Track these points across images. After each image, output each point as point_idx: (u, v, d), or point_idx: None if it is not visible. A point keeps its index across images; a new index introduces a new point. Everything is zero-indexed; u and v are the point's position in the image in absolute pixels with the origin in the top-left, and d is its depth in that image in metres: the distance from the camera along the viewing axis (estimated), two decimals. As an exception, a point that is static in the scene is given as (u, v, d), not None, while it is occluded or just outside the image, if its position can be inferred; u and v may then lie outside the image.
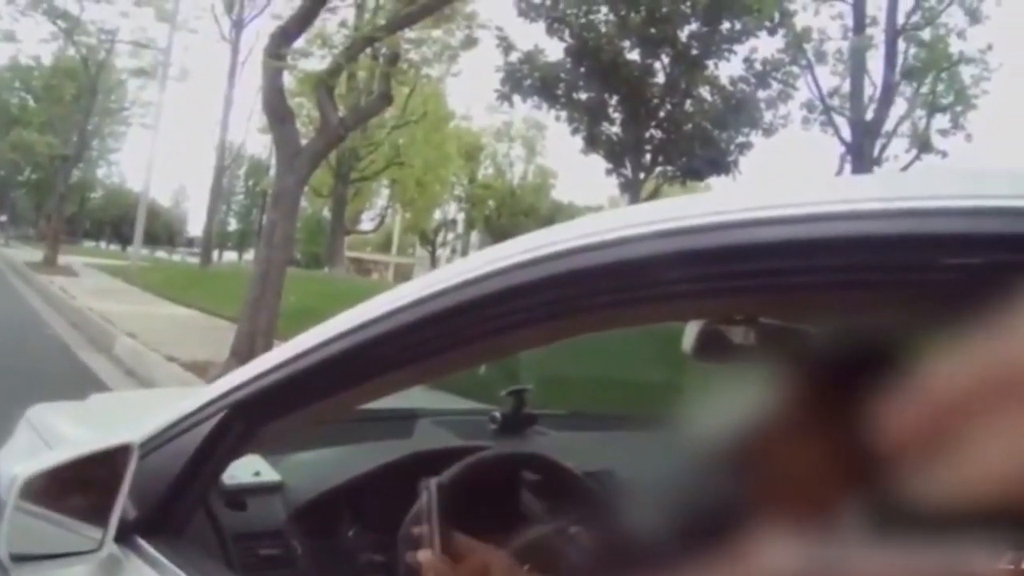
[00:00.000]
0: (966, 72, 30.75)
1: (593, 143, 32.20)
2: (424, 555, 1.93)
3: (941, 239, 1.00)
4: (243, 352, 11.47)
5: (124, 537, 1.84)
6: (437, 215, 73.90)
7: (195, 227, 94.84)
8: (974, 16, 29.77)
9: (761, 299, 1.23)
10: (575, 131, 32.65)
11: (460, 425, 3.52)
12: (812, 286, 1.12)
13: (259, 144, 64.12)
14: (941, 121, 30.93)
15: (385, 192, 67.17)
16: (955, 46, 30.17)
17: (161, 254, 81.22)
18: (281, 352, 1.76)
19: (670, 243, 1.20)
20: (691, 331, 1.95)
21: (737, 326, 1.84)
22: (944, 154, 30.11)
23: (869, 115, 28.95)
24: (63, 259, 39.19)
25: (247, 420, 1.83)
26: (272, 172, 21.65)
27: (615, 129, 32.04)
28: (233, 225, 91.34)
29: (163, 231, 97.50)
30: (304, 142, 13.30)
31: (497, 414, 3.42)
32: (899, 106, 30.30)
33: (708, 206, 1.20)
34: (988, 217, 0.98)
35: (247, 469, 2.58)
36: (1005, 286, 0.95)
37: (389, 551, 2.48)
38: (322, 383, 1.70)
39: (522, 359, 3.41)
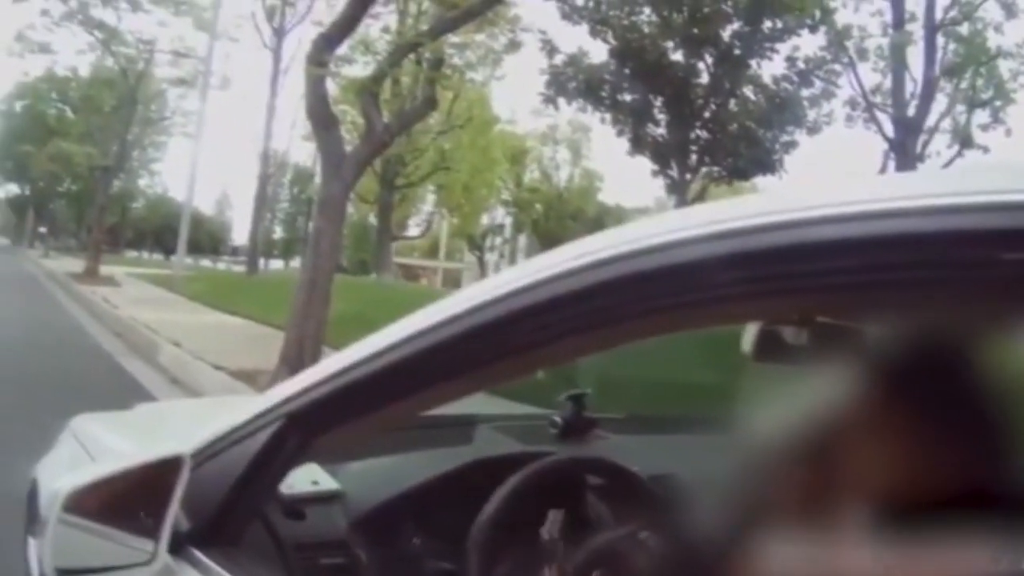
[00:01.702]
0: (1004, 66, 30.65)
1: (639, 145, 32.23)
2: None
3: (994, 234, 0.98)
4: (292, 359, 11.52)
5: (177, 549, 1.84)
6: (484, 220, 73.92)
7: (239, 235, 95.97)
8: (1010, 11, 29.60)
9: (816, 299, 1.22)
10: (620, 133, 32.69)
11: (520, 430, 3.50)
12: (865, 285, 1.10)
13: (303, 151, 64.62)
14: (981, 116, 30.83)
15: (431, 197, 67.46)
16: (993, 40, 30.06)
17: (205, 263, 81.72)
18: (335, 362, 1.75)
19: (722, 245, 1.19)
20: (750, 333, 1.93)
21: (795, 327, 1.82)
22: (986, 149, 30.06)
23: (911, 111, 28.90)
24: (105, 269, 39.35)
25: (303, 431, 1.82)
26: (317, 179, 21.72)
27: (660, 130, 32.07)
28: (278, 233, 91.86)
29: (207, 240, 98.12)
30: (349, 149, 13.35)
31: (557, 419, 3.39)
32: (940, 102, 30.26)
33: (757, 207, 1.20)
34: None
35: (304, 478, 2.57)
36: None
37: (456, 558, 2.47)
38: (378, 393, 1.69)
39: (579, 362, 3.39)
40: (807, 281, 1.13)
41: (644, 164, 33.06)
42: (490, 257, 76.92)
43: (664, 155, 31.95)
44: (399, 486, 2.78)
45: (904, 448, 1.03)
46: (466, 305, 1.52)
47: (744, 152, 31.00)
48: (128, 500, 1.86)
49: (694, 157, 32.07)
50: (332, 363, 1.77)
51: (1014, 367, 1.01)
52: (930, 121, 29.70)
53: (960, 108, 30.85)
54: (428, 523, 2.73)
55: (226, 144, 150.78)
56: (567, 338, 1.42)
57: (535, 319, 1.43)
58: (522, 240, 72.94)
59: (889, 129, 29.42)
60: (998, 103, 30.57)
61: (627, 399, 4.32)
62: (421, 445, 3.13)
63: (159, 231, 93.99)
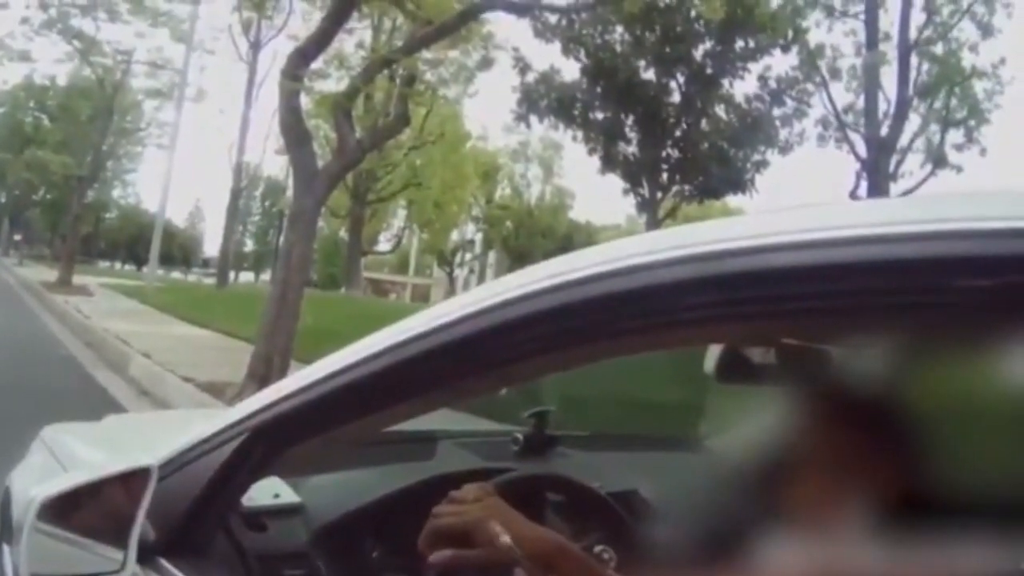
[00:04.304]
0: (979, 86, 30.84)
1: (610, 163, 32.30)
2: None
3: (951, 262, 1.01)
4: (260, 373, 11.47)
5: (146, 558, 1.85)
6: (454, 236, 73.84)
7: (211, 248, 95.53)
8: (986, 30, 29.84)
9: (780, 323, 1.23)
10: (592, 151, 32.80)
11: (482, 447, 3.50)
12: (828, 310, 1.12)
13: (276, 165, 64.38)
14: (955, 136, 31.08)
15: (402, 213, 67.37)
16: (967, 60, 30.32)
17: (176, 275, 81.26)
18: (301, 377, 1.77)
19: (694, 268, 1.20)
20: (713, 353, 1.95)
21: (759, 347, 1.84)
22: (959, 169, 30.22)
23: (884, 131, 28.97)
24: (78, 279, 38.90)
25: (267, 444, 1.83)
26: (289, 193, 21.65)
27: (632, 149, 32.16)
28: (249, 246, 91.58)
29: (179, 252, 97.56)
30: (321, 163, 13.32)
31: (519, 435, 3.39)
32: (913, 122, 30.38)
33: (729, 231, 1.21)
34: (996, 239, 0.99)
35: (266, 491, 2.57)
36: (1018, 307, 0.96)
37: (414, 573, 2.48)
38: (344, 408, 1.70)
39: (543, 380, 3.39)
40: (777, 305, 1.15)
41: (615, 182, 33.20)
42: (460, 273, 76.80)
43: (635, 173, 32.04)
44: (359, 500, 2.78)
45: (865, 468, 1.05)
46: (433, 323, 1.53)
47: (715, 171, 31.08)
48: (98, 510, 1.87)
49: (665, 176, 32.17)
50: (297, 379, 1.78)
51: (971, 386, 1.03)
52: (903, 141, 29.91)
53: (934, 128, 31.04)
54: (387, 537, 2.73)
55: (200, 156, 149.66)
56: (536, 357, 1.44)
57: (502, 338, 1.44)
58: (492, 256, 72.81)
59: (861, 149, 29.55)
60: (972, 123, 30.77)
61: (591, 417, 4.32)
62: (382, 460, 3.12)
63: (132, 242, 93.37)
